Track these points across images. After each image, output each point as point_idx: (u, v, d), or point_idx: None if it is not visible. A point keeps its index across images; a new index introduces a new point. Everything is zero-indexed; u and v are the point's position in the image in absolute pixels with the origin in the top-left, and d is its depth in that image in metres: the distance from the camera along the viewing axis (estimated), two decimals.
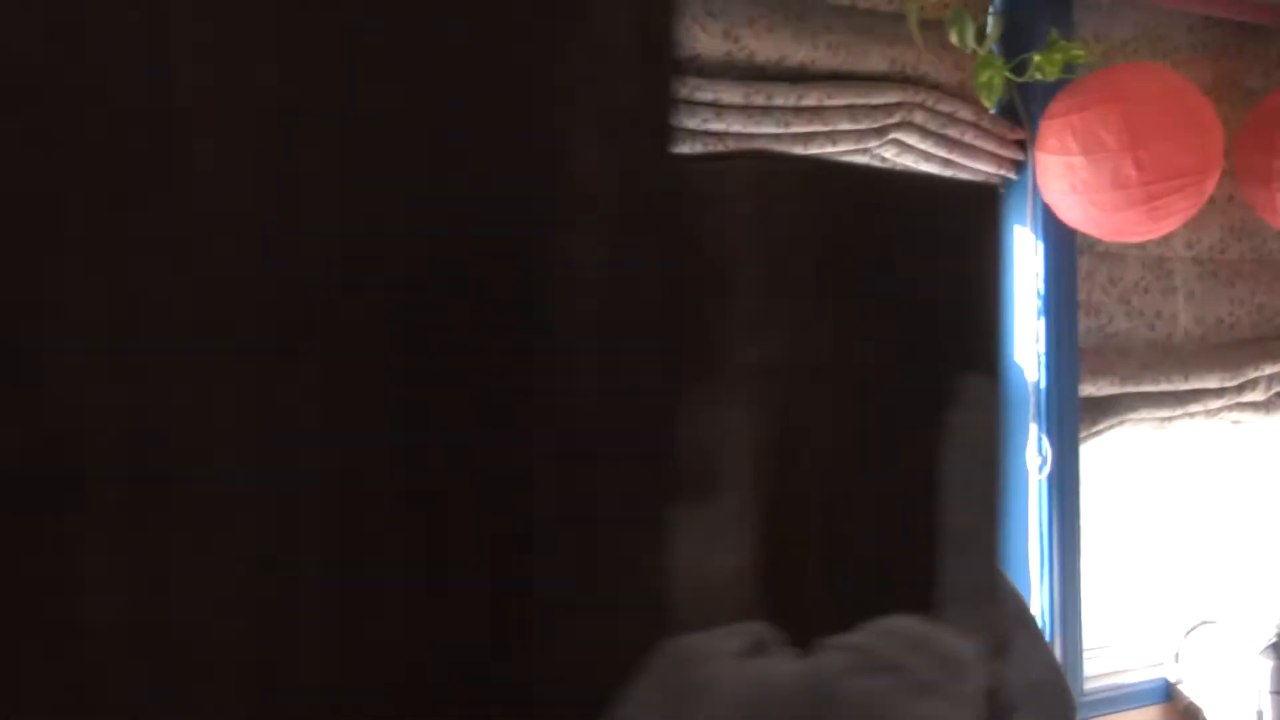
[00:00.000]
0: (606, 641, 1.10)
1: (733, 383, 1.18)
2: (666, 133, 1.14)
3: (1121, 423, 4.85)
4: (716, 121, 3.90)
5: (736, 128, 3.94)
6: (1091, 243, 4.71)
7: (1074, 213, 4.38)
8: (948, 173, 4.45)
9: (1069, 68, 4.36)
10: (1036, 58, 4.29)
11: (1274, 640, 4.70)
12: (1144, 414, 4.89)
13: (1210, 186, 4.35)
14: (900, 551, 1.25)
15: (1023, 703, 4.16)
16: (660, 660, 1.11)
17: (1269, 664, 4.66)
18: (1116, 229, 4.39)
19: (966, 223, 1.30)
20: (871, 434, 1.23)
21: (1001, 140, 4.51)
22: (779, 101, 4.02)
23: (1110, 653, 4.99)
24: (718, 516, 1.18)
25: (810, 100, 4.08)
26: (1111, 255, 4.87)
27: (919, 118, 4.30)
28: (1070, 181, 4.31)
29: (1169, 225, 4.41)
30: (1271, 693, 4.65)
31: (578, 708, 1.07)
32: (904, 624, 1.21)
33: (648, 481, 1.13)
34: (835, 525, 1.21)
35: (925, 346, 1.26)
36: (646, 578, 1.13)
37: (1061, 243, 4.60)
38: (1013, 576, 4.44)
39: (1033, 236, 4.59)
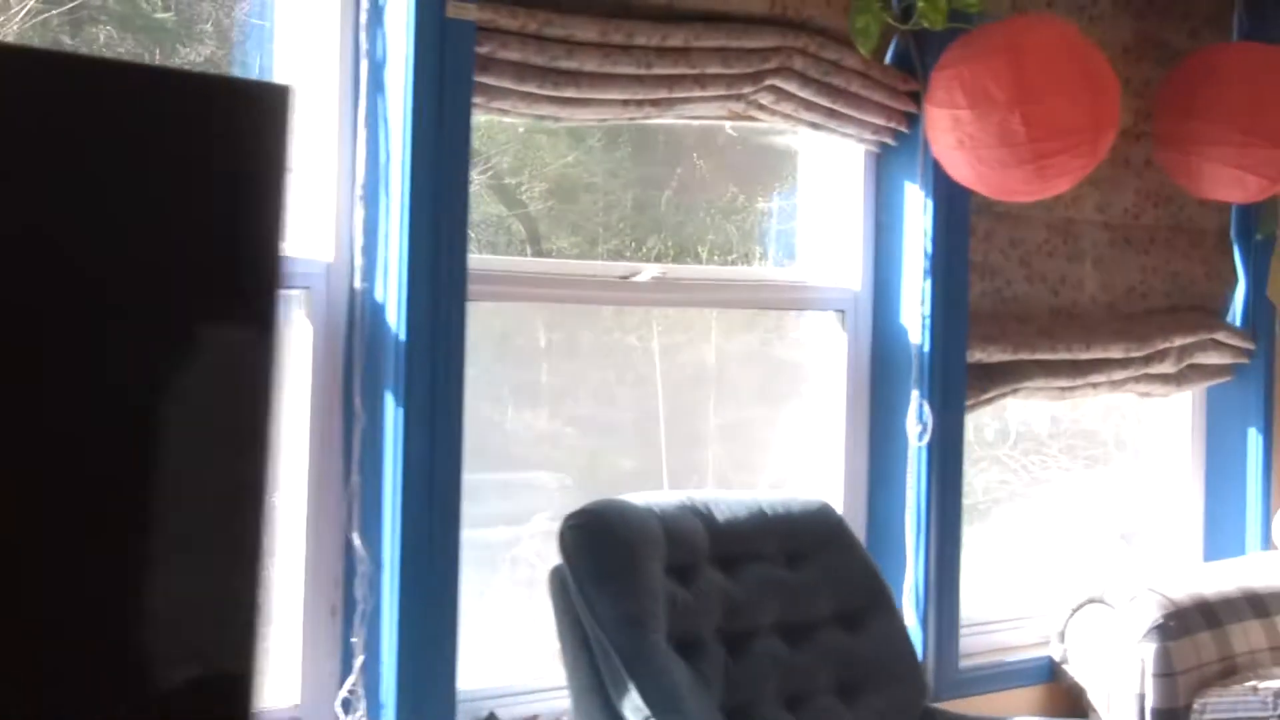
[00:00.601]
0: None
1: None
2: None
3: (1014, 391, 4.66)
4: (567, 60, 3.70)
5: (590, 67, 3.73)
6: (991, 203, 4.50)
7: (962, 170, 4.19)
8: (831, 124, 4.25)
9: (963, 17, 4.17)
10: (921, 4, 4.09)
11: (1158, 622, 4.51)
12: (1040, 383, 4.69)
13: (1104, 146, 4.15)
14: (51, 548, 1.03)
15: (873, 680, 3.94)
16: None
17: (1152, 646, 4.48)
18: (1004, 187, 4.20)
19: (229, 132, 1.09)
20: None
21: (892, 91, 4.31)
22: (640, 41, 3.81)
23: (993, 630, 4.80)
24: None
25: (676, 41, 3.88)
26: (1013, 216, 4.67)
27: (799, 64, 4.09)
28: (957, 136, 4.13)
29: (1059, 185, 4.22)
30: (1154, 675, 4.46)
31: None
32: None
33: None
34: None
35: (133, 282, 1.03)
36: None
37: (954, 201, 4.40)
38: (886, 547, 4.27)
39: (921, 194, 4.38)
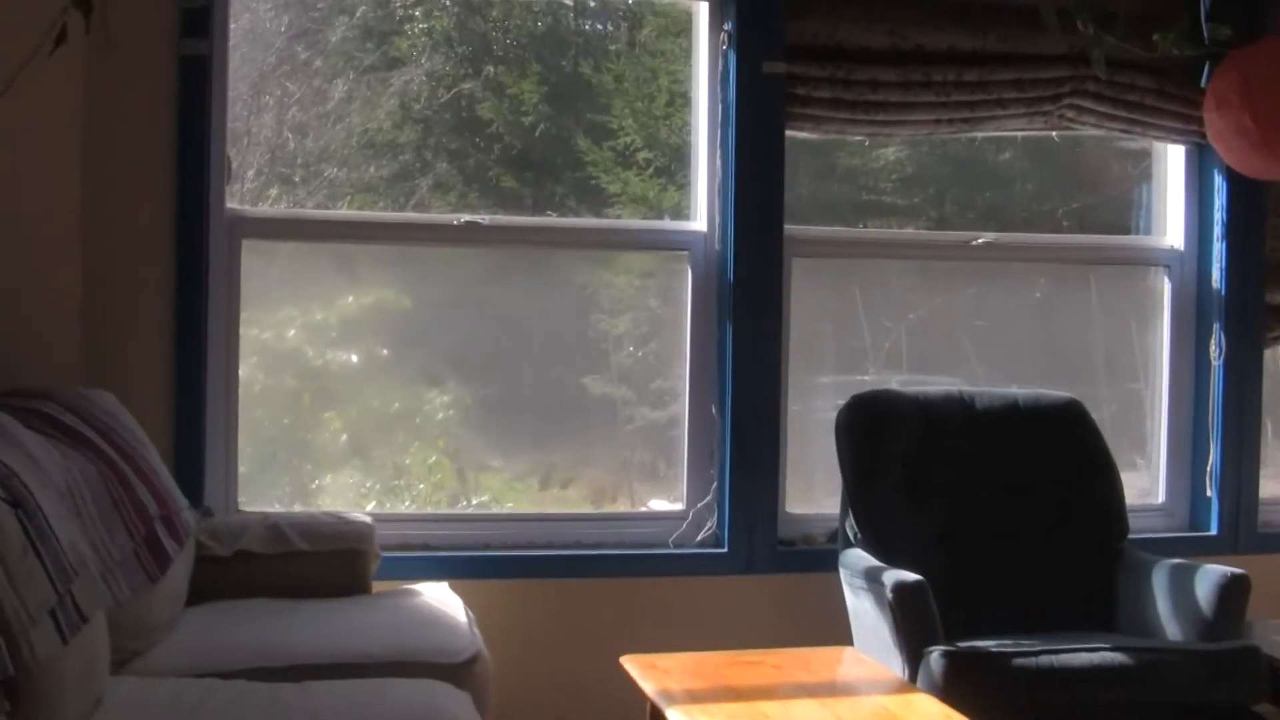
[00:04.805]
0: None
1: None
2: None
3: None
4: (873, 94, 5.39)
5: (895, 98, 5.40)
6: None
7: (1225, 156, 5.51)
8: (1136, 130, 5.66)
9: (1223, 41, 5.41)
10: (1155, 36, 5.39)
11: None
12: None
13: None
14: None
15: (1079, 522, 5.36)
16: None
17: None
18: (1250, 168, 5.44)
19: None
20: None
21: (1186, 102, 5.63)
22: (938, 78, 5.41)
23: None
24: None
25: (971, 76, 5.43)
26: None
27: (1092, 87, 5.51)
28: (1214, 132, 5.43)
29: None
30: None
31: None
32: None
33: None
34: None
35: None
36: None
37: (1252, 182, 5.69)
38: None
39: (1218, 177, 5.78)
